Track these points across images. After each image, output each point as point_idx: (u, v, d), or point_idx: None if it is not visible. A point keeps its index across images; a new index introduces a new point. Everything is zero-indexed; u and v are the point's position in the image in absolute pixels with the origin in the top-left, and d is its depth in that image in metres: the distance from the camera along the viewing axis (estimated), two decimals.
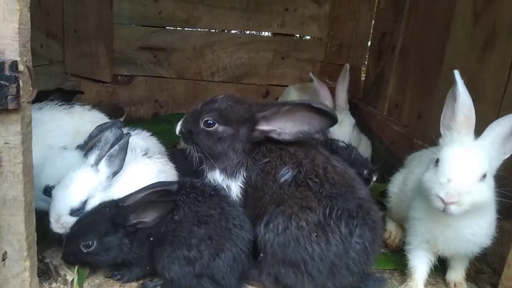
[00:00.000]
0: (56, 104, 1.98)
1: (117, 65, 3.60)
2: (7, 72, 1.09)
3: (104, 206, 1.44)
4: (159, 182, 1.47)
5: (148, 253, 1.45)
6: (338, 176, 1.46)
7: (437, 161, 1.40)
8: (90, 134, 1.84)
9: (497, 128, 1.42)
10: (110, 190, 1.53)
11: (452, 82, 1.53)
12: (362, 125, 3.31)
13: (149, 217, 1.44)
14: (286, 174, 1.45)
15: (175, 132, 1.64)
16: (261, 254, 1.46)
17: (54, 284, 1.44)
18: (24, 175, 1.22)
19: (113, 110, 3.60)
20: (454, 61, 2.38)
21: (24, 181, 1.22)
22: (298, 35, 3.92)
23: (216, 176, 1.58)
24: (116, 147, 1.53)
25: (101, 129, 1.85)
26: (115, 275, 1.51)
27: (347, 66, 2.98)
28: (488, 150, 1.40)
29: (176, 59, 3.68)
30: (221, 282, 1.42)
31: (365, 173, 1.98)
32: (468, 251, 1.56)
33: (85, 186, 1.48)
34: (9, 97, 1.11)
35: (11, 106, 1.12)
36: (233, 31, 3.78)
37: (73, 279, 1.43)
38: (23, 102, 1.17)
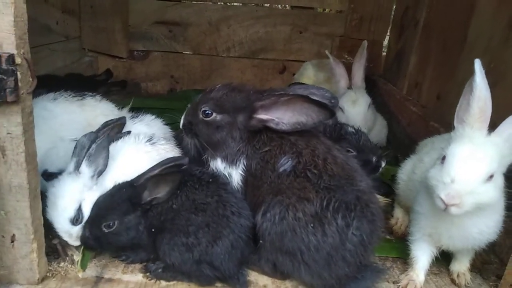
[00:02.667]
0: (69, 95, 2.01)
1: (133, 40, 3.61)
2: (4, 66, 1.11)
3: (120, 188, 1.47)
4: (170, 158, 1.46)
5: (151, 240, 1.49)
6: (338, 167, 1.43)
7: (444, 158, 1.35)
8: (96, 130, 1.87)
9: None
10: (101, 186, 1.55)
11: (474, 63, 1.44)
12: (380, 103, 3.22)
13: (161, 192, 1.45)
14: (285, 164, 1.44)
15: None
16: (260, 241, 1.48)
17: (62, 264, 1.52)
18: (27, 163, 1.26)
19: (130, 86, 3.66)
20: (477, 41, 2.25)
21: (27, 169, 1.27)
22: (317, 8, 3.78)
23: (218, 165, 1.59)
24: (93, 146, 1.54)
25: (105, 124, 1.87)
26: (120, 256, 1.57)
27: (365, 43, 2.87)
28: (500, 148, 1.32)
29: (192, 34, 3.65)
30: (220, 268, 1.45)
31: (374, 159, 1.94)
32: (474, 247, 1.53)
33: (70, 194, 1.50)
34: (7, 90, 1.13)
35: (10, 98, 1.14)
36: (249, 4, 3.68)
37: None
38: (22, 94, 1.19)
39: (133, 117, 2.08)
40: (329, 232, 1.34)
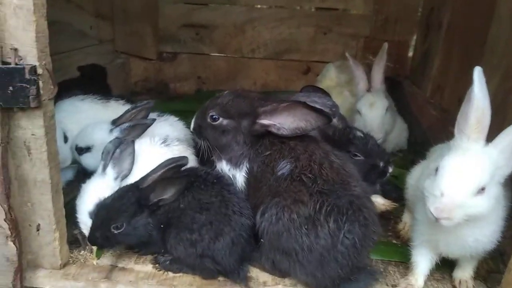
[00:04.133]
0: (96, 98, 2.32)
1: (162, 43, 3.78)
2: (27, 76, 1.26)
3: (127, 191, 1.58)
4: (171, 159, 1.57)
5: (161, 236, 1.61)
6: (333, 172, 1.49)
7: (437, 169, 1.37)
8: (126, 110, 2.09)
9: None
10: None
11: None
12: (404, 106, 3.20)
13: (168, 194, 1.57)
14: (283, 168, 1.52)
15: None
16: (261, 240, 1.57)
17: (82, 252, 1.68)
18: (49, 161, 1.42)
19: (159, 86, 3.85)
20: (496, 44, 2.20)
21: (49, 166, 1.43)
22: (349, 10, 3.77)
23: (223, 166, 1.70)
24: (117, 150, 1.69)
25: (134, 106, 2.10)
26: (133, 247, 1.71)
27: (385, 45, 2.85)
28: (494, 160, 1.32)
29: (218, 36, 3.76)
30: (221, 263, 1.55)
31: (381, 164, 1.96)
32: (472, 254, 1.54)
33: (94, 191, 1.65)
34: (30, 97, 1.29)
35: (32, 104, 1.30)
36: (274, 7, 3.74)
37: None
38: (44, 100, 1.34)
39: (159, 116, 2.27)
40: (321, 234, 1.40)
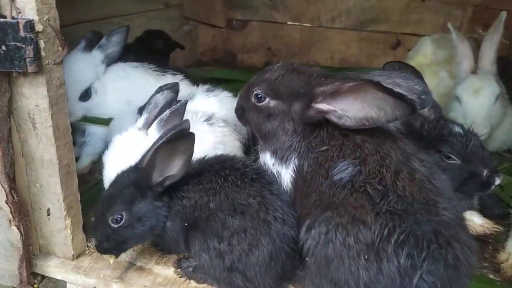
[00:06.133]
0: (151, 68, 2.11)
1: (232, 9, 3.46)
2: (21, 33, 1.02)
3: (122, 173, 1.28)
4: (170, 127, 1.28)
5: (184, 236, 1.32)
6: (414, 186, 1.05)
7: None
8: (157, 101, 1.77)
9: None
10: None
11: None
12: None
13: (174, 169, 1.25)
14: (342, 171, 1.12)
15: None
16: (306, 258, 1.21)
17: None
18: (56, 138, 1.20)
19: (227, 57, 3.57)
20: None
21: (56, 144, 1.21)
22: None
23: (267, 159, 1.34)
24: (167, 112, 1.41)
25: (159, 90, 1.77)
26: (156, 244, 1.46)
27: (503, 14, 2.20)
28: None
29: (293, 2, 3.34)
30: (253, 280, 1.24)
31: (484, 173, 1.45)
32: None
33: (133, 150, 1.38)
34: (27, 60, 1.05)
35: (30, 69, 1.06)
36: None
37: None
38: (47, 64, 1.10)
39: (208, 91, 1.97)
40: (386, 271, 1.00)
